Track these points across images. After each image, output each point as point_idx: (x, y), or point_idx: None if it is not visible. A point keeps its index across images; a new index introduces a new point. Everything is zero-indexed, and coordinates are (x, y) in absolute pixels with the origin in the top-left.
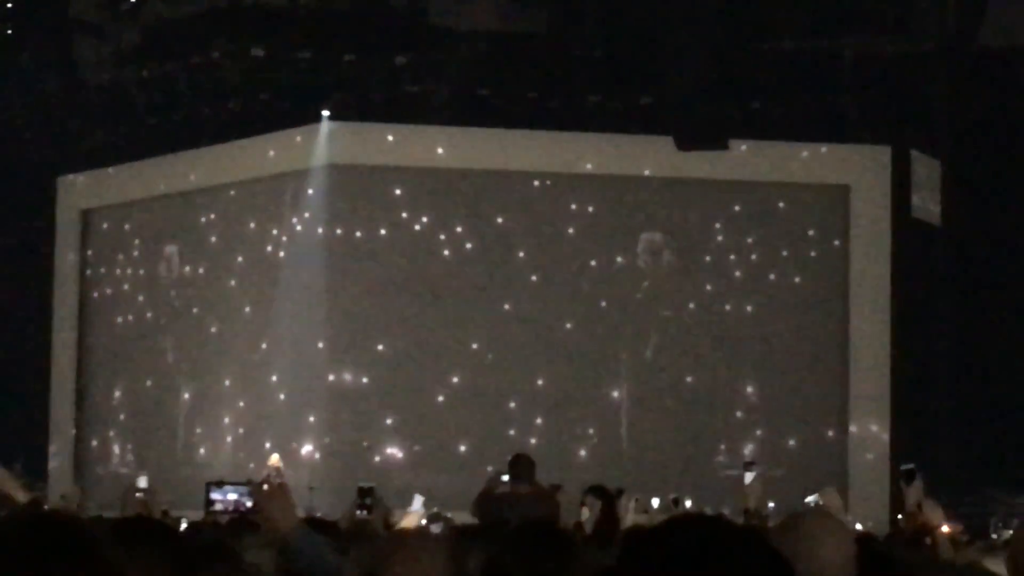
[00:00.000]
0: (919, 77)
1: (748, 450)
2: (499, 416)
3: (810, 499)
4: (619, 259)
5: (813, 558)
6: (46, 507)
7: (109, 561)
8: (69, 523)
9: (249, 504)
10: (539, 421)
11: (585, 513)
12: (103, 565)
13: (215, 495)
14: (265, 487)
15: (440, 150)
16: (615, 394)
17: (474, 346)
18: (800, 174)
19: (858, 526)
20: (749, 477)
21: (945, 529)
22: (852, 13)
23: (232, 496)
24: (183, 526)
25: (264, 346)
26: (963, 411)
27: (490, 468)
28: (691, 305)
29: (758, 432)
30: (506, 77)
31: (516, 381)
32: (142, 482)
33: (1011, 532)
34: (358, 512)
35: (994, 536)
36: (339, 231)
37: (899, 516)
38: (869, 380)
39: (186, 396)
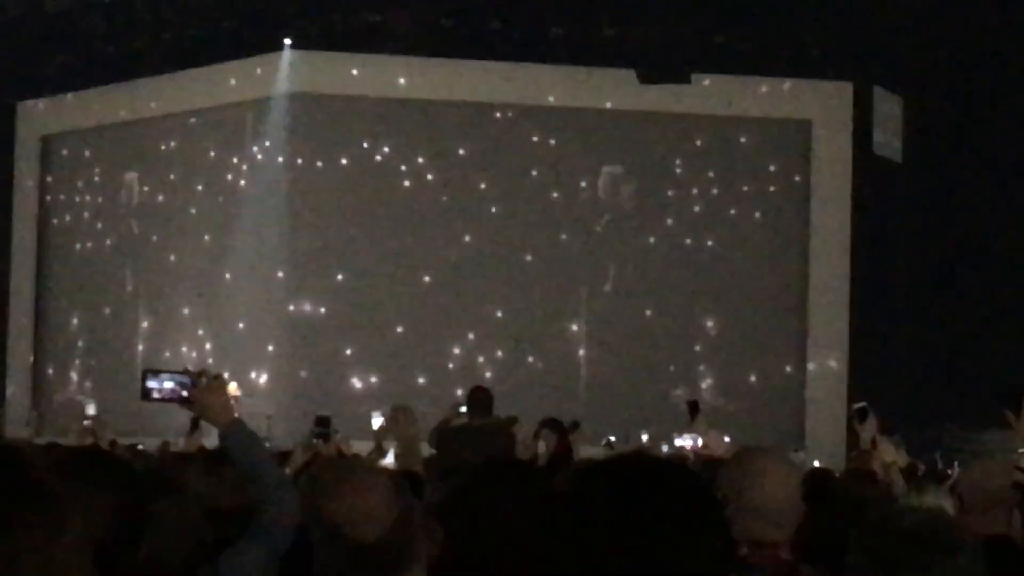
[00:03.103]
0: (882, 13)
1: (706, 385)
2: (458, 348)
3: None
4: (580, 192)
5: (757, 493)
6: (1, 432)
7: (50, 493)
8: (5, 449)
9: (185, 394)
10: (498, 354)
11: (541, 446)
12: (44, 498)
13: (151, 383)
14: (203, 379)
15: (402, 80)
16: (574, 327)
17: (433, 277)
18: (762, 109)
19: (816, 463)
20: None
21: (898, 462)
22: None
23: (169, 384)
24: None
25: (224, 275)
26: (921, 347)
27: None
28: (651, 239)
29: (716, 367)
30: (469, 8)
31: (475, 313)
32: (90, 409)
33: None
34: (314, 440)
35: (948, 472)
36: (300, 160)
37: (853, 454)
38: (828, 316)
39: (144, 324)
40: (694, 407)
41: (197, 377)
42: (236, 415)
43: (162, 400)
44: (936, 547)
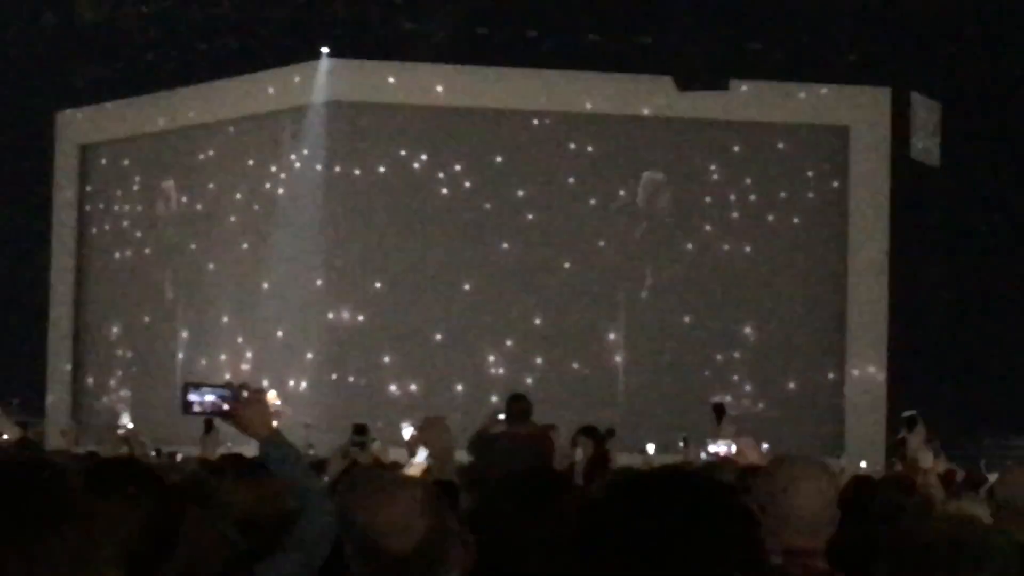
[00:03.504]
0: (919, 18)
1: (745, 391)
2: (496, 355)
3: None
4: (617, 199)
5: (792, 501)
6: (42, 443)
7: (85, 509)
8: (42, 466)
9: (226, 407)
10: (536, 360)
11: (579, 454)
12: (79, 514)
13: (192, 396)
14: (244, 393)
15: (439, 88)
16: (612, 334)
17: (471, 285)
18: (799, 115)
19: (863, 464)
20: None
21: (936, 470)
22: None
23: (210, 398)
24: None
25: (262, 283)
26: (960, 353)
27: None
28: (689, 246)
29: (755, 373)
30: (506, 15)
31: (513, 320)
32: (124, 419)
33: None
34: (352, 448)
35: (987, 477)
36: (337, 168)
37: (894, 460)
38: (866, 322)
39: (184, 333)
40: (720, 410)
41: (238, 390)
42: (276, 428)
43: (203, 414)
44: (966, 555)
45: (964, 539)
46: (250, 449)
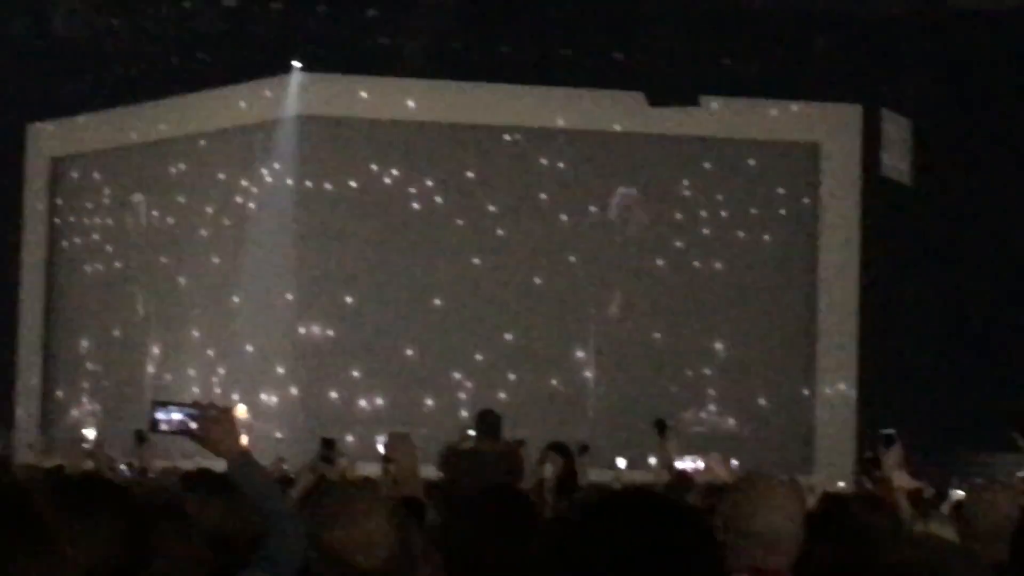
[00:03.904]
0: (890, 36)
1: (715, 408)
2: (466, 370)
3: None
4: (589, 215)
5: (757, 520)
6: (10, 456)
7: (51, 528)
8: (8, 487)
9: (194, 426)
10: (506, 376)
11: (548, 470)
12: (44, 533)
13: (159, 414)
14: (212, 411)
15: (411, 103)
16: (583, 350)
17: (442, 300)
18: (770, 131)
19: (841, 484)
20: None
21: (905, 488)
22: None
23: (177, 416)
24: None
25: (233, 297)
26: (931, 370)
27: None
28: (660, 262)
29: (725, 390)
30: (478, 30)
31: (484, 336)
32: (91, 433)
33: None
34: (320, 463)
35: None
36: (309, 183)
37: (863, 478)
38: (838, 339)
39: (154, 347)
40: (661, 426)
41: (205, 409)
42: (244, 448)
43: (170, 432)
44: None
45: (936, 565)
46: (190, 463)
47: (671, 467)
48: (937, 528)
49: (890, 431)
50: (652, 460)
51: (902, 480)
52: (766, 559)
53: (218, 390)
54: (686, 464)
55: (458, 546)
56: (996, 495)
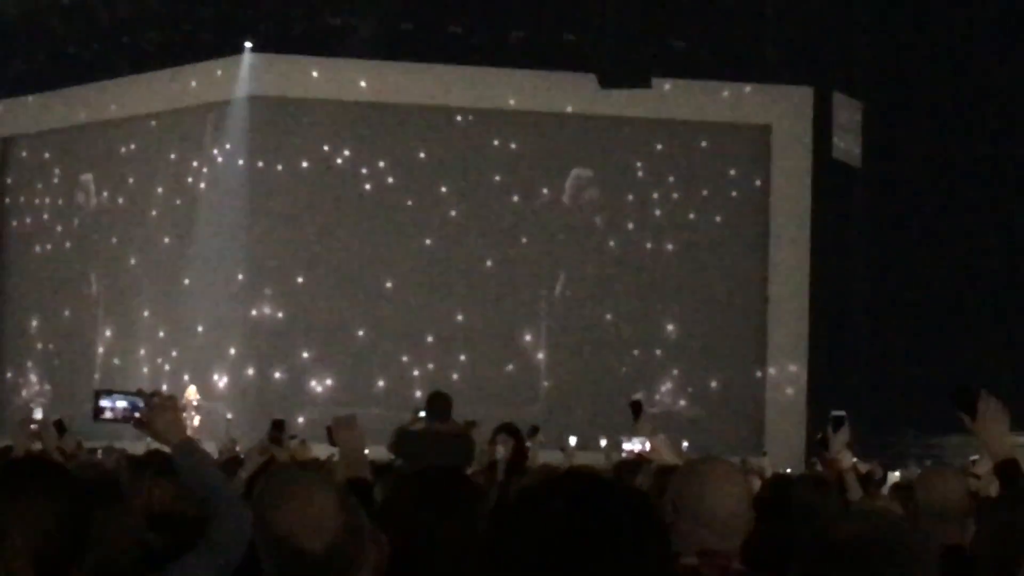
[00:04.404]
0: (842, 19)
1: (666, 389)
2: (418, 351)
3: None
4: (541, 196)
5: (704, 503)
6: None
7: None
8: None
9: (137, 414)
10: (458, 357)
11: (500, 451)
12: None
13: (104, 402)
14: (155, 398)
15: (362, 83)
16: (534, 331)
17: (394, 281)
18: (722, 113)
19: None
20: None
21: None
22: None
23: (121, 404)
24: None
25: (183, 278)
26: (880, 352)
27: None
28: (611, 243)
29: (676, 371)
30: (429, 12)
31: (435, 317)
32: (37, 414)
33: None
34: (271, 444)
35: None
36: (260, 163)
37: (814, 460)
38: (788, 320)
39: (104, 327)
40: (637, 407)
41: (149, 397)
42: (187, 435)
43: (114, 420)
44: (886, 554)
45: (885, 537)
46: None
47: (682, 455)
48: (881, 506)
49: (840, 413)
50: (603, 442)
51: (847, 458)
52: (714, 540)
53: (169, 370)
54: (634, 445)
55: (399, 527)
56: (946, 477)
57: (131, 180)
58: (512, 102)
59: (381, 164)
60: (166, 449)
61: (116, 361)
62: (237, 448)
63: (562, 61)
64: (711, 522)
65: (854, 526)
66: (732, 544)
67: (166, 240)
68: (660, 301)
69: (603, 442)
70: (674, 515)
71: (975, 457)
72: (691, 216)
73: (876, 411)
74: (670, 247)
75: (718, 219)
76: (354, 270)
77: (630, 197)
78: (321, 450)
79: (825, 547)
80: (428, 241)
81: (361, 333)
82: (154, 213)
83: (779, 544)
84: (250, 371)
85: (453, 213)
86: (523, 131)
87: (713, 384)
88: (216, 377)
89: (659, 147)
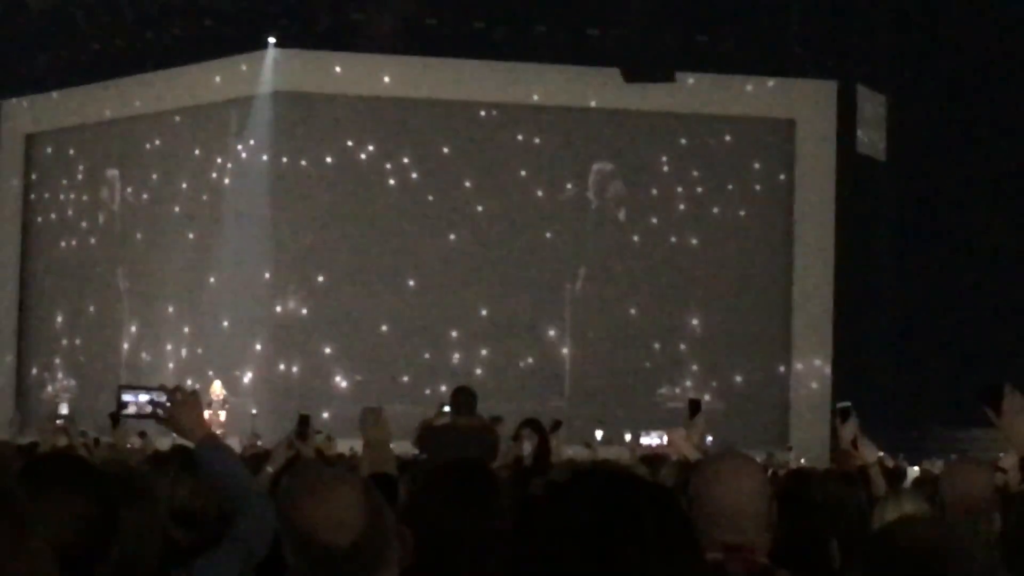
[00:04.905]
0: (866, 13)
1: (691, 384)
2: (442, 346)
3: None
4: (565, 191)
5: (722, 498)
6: None
7: (14, 502)
8: None
9: (160, 410)
10: (482, 352)
11: (526, 447)
12: (8, 506)
13: (127, 397)
14: (177, 394)
15: (386, 79)
16: (558, 325)
17: (418, 277)
18: (746, 107)
19: (802, 461)
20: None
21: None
22: None
23: (144, 399)
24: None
25: (208, 273)
26: (905, 346)
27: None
28: (636, 238)
29: (701, 366)
30: (453, 6)
31: (459, 311)
32: (63, 409)
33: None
34: (297, 440)
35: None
36: (284, 159)
37: (832, 453)
38: (812, 315)
39: (129, 322)
40: (696, 406)
41: (172, 393)
42: (210, 430)
43: (137, 416)
44: (951, 563)
45: (950, 545)
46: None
47: (704, 449)
48: (909, 504)
49: (846, 404)
50: (628, 436)
51: (871, 453)
52: (735, 535)
53: (193, 365)
54: (651, 439)
55: (423, 522)
56: (972, 472)
57: (155, 176)
58: (536, 97)
59: (405, 159)
60: (190, 444)
61: (142, 356)
62: (259, 443)
63: (586, 55)
64: (728, 516)
65: (920, 532)
66: (751, 538)
67: (190, 236)
68: (684, 295)
69: (627, 436)
70: (693, 511)
71: (1003, 454)
72: (715, 210)
73: (901, 406)
74: (694, 241)
75: (742, 213)
76: (378, 265)
77: (654, 191)
78: (345, 445)
79: (891, 553)
80: (452, 236)
81: (385, 328)
82: (178, 209)
83: (801, 539)
84: (275, 366)
85: (478, 208)
86: (547, 126)
87: (737, 378)
88: (240, 372)
89: (683, 141)
